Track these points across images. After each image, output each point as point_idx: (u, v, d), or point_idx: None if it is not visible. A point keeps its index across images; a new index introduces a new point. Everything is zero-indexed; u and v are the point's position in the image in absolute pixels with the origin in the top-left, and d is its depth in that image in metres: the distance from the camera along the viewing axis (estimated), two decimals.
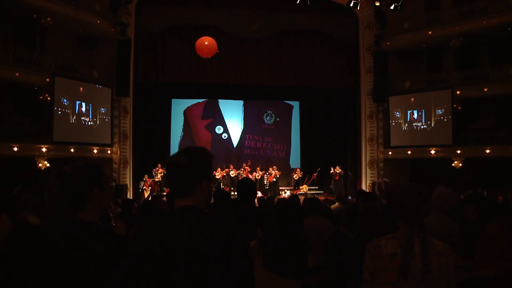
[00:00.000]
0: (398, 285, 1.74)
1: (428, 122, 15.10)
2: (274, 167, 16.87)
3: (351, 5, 12.80)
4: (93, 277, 1.38)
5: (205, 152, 1.56)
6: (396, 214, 1.89)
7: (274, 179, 16.62)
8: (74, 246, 1.39)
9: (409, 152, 15.50)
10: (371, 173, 16.23)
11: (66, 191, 1.47)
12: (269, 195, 15.20)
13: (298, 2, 12.21)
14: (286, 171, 18.08)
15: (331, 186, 16.77)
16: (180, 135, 18.64)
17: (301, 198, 13.78)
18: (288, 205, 2.53)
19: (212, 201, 4.09)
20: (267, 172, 16.69)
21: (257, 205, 6.45)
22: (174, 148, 18.16)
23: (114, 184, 13.59)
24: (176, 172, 1.51)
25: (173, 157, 1.54)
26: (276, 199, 8.30)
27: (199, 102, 18.91)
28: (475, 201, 5.78)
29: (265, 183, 16.39)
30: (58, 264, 1.37)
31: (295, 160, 18.98)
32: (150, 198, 13.34)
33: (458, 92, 14.46)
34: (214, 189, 16.37)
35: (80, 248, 1.39)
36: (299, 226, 2.39)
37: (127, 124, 15.08)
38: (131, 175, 15.15)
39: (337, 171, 16.53)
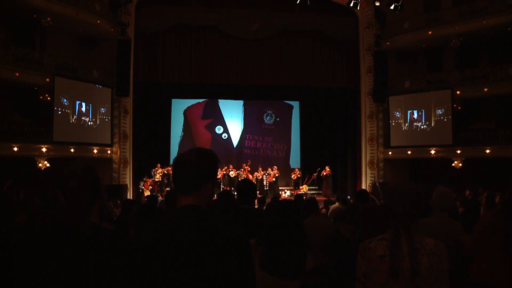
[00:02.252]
0: (388, 286, 1.73)
1: (428, 122, 15.10)
2: (274, 167, 16.87)
3: (351, 5, 12.79)
4: (100, 278, 1.38)
5: (213, 154, 1.58)
6: (389, 214, 1.88)
7: (274, 179, 16.61)
8: (88, 247, 1.39)
9: (409, 152, 15.50)
10: (371, 173, 16.24)
11: (85, 192, 1.48)
12: (270, 195, 15.21)
13: (298, 2, 12.21)
14: (286, 171, 18.08)
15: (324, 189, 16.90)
16: (180, 135, 18.64)
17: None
18: (284, 204, 2.52)
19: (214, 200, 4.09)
20: (266, 172, 16.68)
21: (256, 206, 6.45)
22: (174, 148, 18.17)
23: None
24: (183, 169, 1.51)
25: (182, 154, 1.56)
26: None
27: (199, 102, 18.91)
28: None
29: (265, 183, 16.38)
30: (66, 264, 1.37)
31: (295, 160, 18.98)
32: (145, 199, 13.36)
33: (458, 92, 14.46)
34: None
35: (92, 250, 1.39)
36: (296, 226, 2.39)
37: (127, 124, 15.08)
38: (131, 175, 15.15)
39: (326, 172, 16.61)
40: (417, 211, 1.82)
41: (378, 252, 1.79)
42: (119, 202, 11.08)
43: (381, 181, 15.62)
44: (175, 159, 1.56)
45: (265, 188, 16.23)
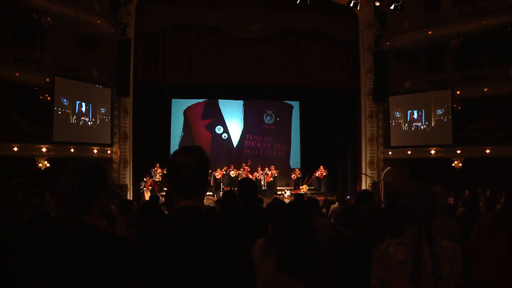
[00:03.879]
0: None
1: (428, 122, 15.10)
2: (272, 167, 16.87)
3: (351, 5, 12.79)
4: (98, 281, 1.37)
5: (206, 154, 1.54)
6: (404, 217, 1.79)
7: (272, 179, 16.60)
8: (82, 248, 1.37)
9: (409, 152, 15.50)
10: (371, 173, 16.23)
11: (80, 191, 1.43)
12: (268, 195, 15.21)
13: (298, 2, 12.21)
14: (286, 171, 18.08)
15: (314, 187, 16.95)
16: (180, 135, 18.64)
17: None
18: (299, 207, 2.51)
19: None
20: (264, 172, 16.68)
21: None
22: (174, 148, 18.02)
23: (113, 186, 13.57)
24: (185, 175, 1.47)
25: (179, 157, 1.49)
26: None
27: (199, 102, 18.91)
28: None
29: (262, 183, 16.37)
30: (64, 266, 1.35)
31: (295, 160, 18.98)
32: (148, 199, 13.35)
33: (458, 92, 14.46)
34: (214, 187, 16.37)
35: (87, 251, 1.37)
36: (311, 227, 2.38)
37: (127, 124, 15.08)
38: (131, 175, 15.15)
39: (322, 172, 16.62)
40: (434, 212, 1.77)
41: (398, 257, 1.70)
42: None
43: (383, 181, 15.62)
44: (172, 162, 1.49)
45: (263, 188, 16.22)
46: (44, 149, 12.28)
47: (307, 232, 2.29)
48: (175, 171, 1.48)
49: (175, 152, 1.53)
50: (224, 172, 16.58)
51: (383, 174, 14.46)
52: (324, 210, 8.35)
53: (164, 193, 13.96)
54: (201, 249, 1.38)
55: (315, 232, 2.40)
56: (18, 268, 1.39)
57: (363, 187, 15.93)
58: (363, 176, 16.33)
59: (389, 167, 14.47)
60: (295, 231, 2.26)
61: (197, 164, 1.48)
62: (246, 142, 19.02)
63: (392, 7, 12.02)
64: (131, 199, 13.83)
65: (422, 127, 15.28)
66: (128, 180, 15.01)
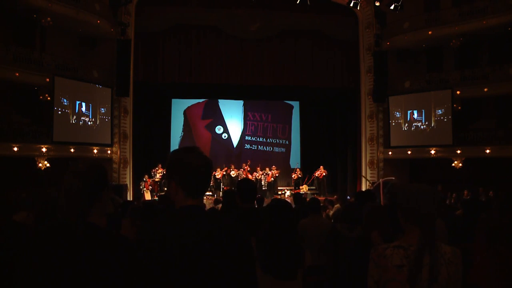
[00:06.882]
0: None
1: (428, 122, 15.10)
2: (273, 167, 16.88)
3: (351, 5, 12.81)
4: (102, 280, 1.37)
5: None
6: (408, 218, 1.74)
7: (272, 179, 16.60)
8: (86, 248, 1.38)
9: (409, 152, 15.49)
10: (371, 173, 16.22)
11: (83, 191, 1.45)
12: (269, 196, 15.21)
13: (298, 2, 12.21)
14: (286, 171, 18.08)
15: (314, 187, 16.95)
16: (180, 135, 18.65)
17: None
18: (280, 205, 2.53)
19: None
20: (265, 172, 16.67)
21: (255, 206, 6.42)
22: (174, 148, 18.10)
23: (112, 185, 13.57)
24: (202, 174, 1.51)
25: (190, 158, 1.50)
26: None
27: (199, 102, 18.92)
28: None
29: (263, 183, 16.36)
30: (68, 265, 1.36)
31: (295, 160, 18.98)
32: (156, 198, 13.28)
33: (458, 92, 14.46)
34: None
35: (91, 251, 1.38)
36: (291, 226, 2.39)
37: (127, 124, 15.08)
38: (131, 175, 15.15)
39: (322, 172, 16.62)
40: (437, 213, 1.75)
41: (395, 261, 1.68)
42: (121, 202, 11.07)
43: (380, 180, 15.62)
44: (185, 162, 1.49)
45: (263, 188, 16.20)
46: (44, 149, 12.28)
47: (286, 231, 2.30)
48: (190, 170, 1.49)
49: (182, 152, 1.55)
50: (224, 172, 16.59)
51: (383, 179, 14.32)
52: (328, 210, 8.34)
53: (163, 193, 13.95)
54: (205, 249, 1.39)
55: (296, 232, 2.42)
56: (21, 267, 1.40)
57: (363, 187, 15.93)
58: (363, 179, 16.31)
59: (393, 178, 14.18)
60: (274, 230, 2.28)
61: (209, 165, 1.53)
62: (246, 142, 19.03)
63: (392, 7, 12.05)
64: (131, 199, 13.84)
65: (422, 127, 15.28)
66: (128, 180, 15.00)
